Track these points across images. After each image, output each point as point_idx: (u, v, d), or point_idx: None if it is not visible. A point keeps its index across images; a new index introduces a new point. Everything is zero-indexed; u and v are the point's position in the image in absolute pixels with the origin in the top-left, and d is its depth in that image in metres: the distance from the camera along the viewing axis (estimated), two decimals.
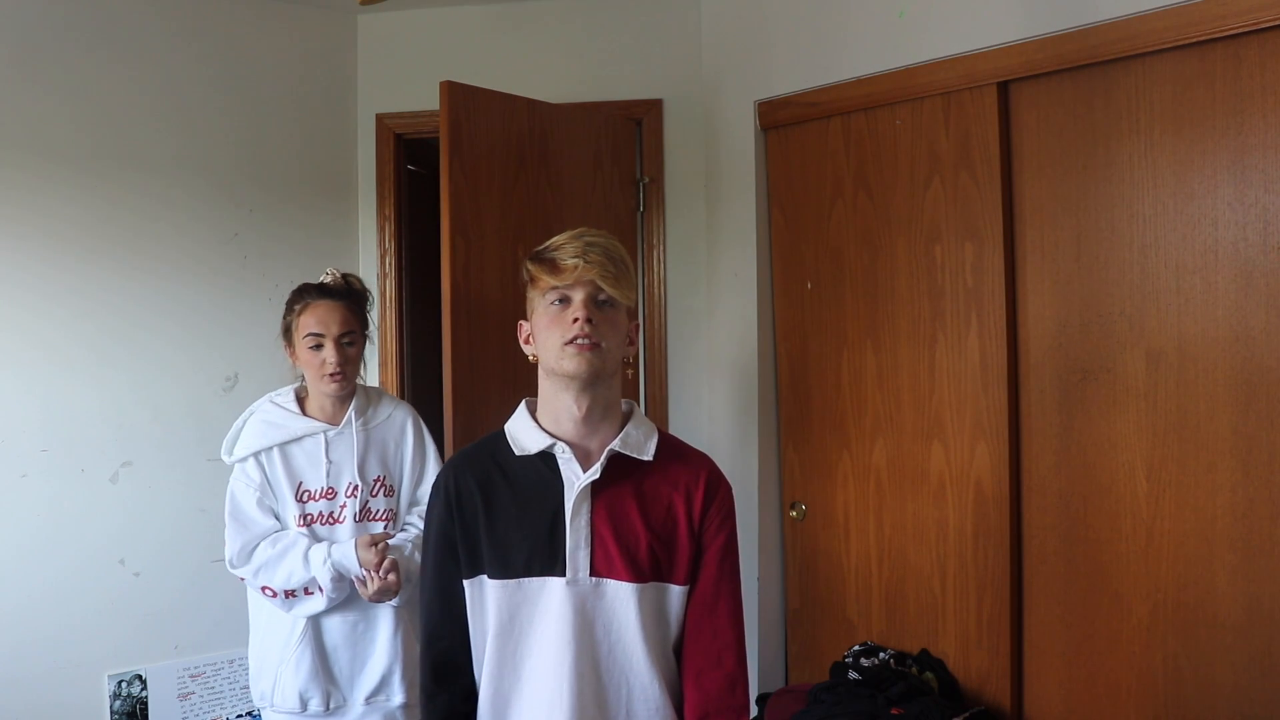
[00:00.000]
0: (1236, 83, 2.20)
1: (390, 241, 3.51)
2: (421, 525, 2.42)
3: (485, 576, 1.54)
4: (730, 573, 1.59)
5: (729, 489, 1.63)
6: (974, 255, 2.65)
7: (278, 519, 2.31)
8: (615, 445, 1.55)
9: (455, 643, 1.57)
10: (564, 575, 1.52)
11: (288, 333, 2.35)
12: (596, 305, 1.52)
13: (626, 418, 1.61)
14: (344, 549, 2.24)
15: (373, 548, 2.22)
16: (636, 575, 1.52)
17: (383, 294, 3.52)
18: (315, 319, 2.29)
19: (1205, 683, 2.27)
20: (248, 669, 2.43)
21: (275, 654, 2.29)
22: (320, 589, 2.23)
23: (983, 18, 2.59)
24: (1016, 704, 2.61)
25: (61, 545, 2.95)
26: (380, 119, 3.50)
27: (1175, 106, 2.30)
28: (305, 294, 2.35)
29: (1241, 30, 2.15)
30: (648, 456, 1.57)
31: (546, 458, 1.56)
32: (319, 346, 2.29)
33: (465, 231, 2.85)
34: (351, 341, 2.32)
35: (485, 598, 1.55)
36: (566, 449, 1.55)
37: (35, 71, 2.94)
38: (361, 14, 3.46)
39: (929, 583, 2.77)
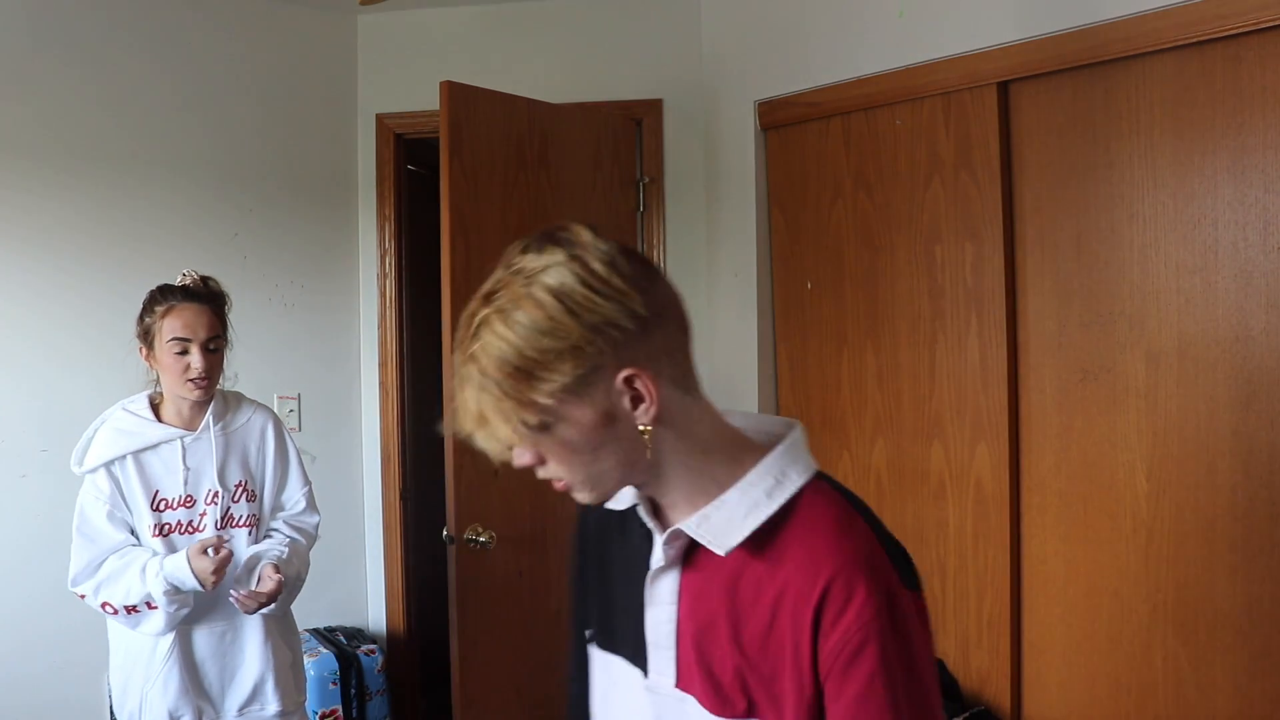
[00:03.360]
0: (1236, 83, 2.20)
1: (390, 241, 3.51)
2: (289, 532, 2.37)
3: (590, 635, 1.20)
4: None
5: (874, 603, 0.97)
6: (974, 255, 2.65)
7: (132, 533, 2.22)
8: (684, 525, 1.04)
9: (579, 692, 1.23)
10: (645, 672, 1.10)
11: (146, 335, 2.22)
12: None
13: (746, 467, 1.05)
14: (176, 560, 2.09)
15: (205, 555, 2.07)
16: (720, 706, 1.03)
17: (383, 294, 3.52)
18: (181, 323, 2.18)
19: (1205, 683, 2.27)
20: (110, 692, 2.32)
21: (140, 673, 2.20)
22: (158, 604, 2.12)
23: (983, 18, 2.59)
24: (1016, 704, 2.61)
25: (62, 545, 2.92)
26: (380, 119, 3.50)
27: (1175, 107, 2.29)
28: (168, 296, 2.21)
29: (1241, 30, 2.15)
30: (721, 550, 1.02)
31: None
32: (184, 351, 2.18)
33: (465, 231, 2.85)
34: (216, 347, 2.23)
35: (592, 661, 1.21)
36: (647, 507, 1.09)
37: (35, 71, 2.94)
38: (361, 14, 3.46)
39: (929, 583, 2.76)
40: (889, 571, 0.99)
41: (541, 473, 1.05)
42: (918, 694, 0.97)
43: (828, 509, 1.03)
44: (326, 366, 3.48)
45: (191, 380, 2.19)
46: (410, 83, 3.43)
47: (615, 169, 3.28)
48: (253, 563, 2.26)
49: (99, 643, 2.97)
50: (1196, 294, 2.28)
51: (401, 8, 3.42)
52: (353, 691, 3.24)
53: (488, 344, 0.97)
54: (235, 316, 3.22)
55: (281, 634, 2.35)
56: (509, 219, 2.97)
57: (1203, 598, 2.27)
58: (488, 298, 0.98)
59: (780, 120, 3.10)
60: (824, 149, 3.00)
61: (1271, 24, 2.10)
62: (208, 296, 2.26)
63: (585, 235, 1.01)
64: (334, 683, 3.19)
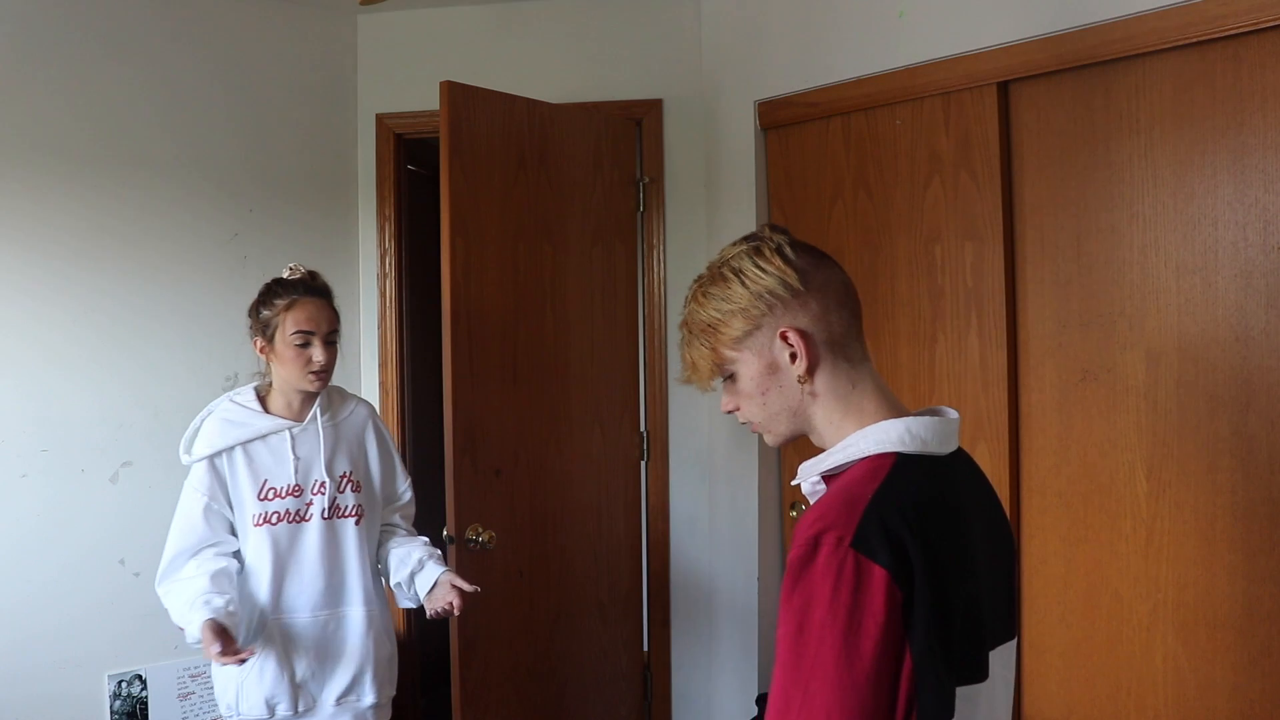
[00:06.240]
0: (1236, 83, 2.20)
1: (390, 241, 3.51)
2: (407, 526, 2.46)
3: None
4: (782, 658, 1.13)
5: (800, 550, 1.13)
6: (974, 255, 2.65)
7: (232, 530, 2.26)
8: (804, 464, 1.29)
9: None
10: None
11: (266, 329, 2.26)
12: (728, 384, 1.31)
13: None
14: (196, 625, 2.08)
15: (213, 646, 2.03)
16: None
17: (383, 294, 3.52)
18: (305, 316, 2.24)
19: (1205, 683, 2.27)
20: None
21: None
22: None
23: (983, 18, 2.59)
24: (1016, 704, 2.61)
25: (61, 545, 2.95)
26: (380, 119, 3.50)
27: (1175, 106, 2.30)
28: (291, 289, 2.27)
29: (1241, 30, 2.15)
30: (794, 482, 1.33)
31: None
32: (307, 344, 2.24)
33: (465, 231, 2.85)
34: (334, 340, 2.30)
35: None
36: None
37: (35, 71, 2.94)
38: (361, 14, 3.46)
39: None
40: (842, 526, 1.10)
41: (740, 417, 1.31)
42: (796, 641, 1.09)
43: (858, 474, 1.19)
44: None
45: (313, 373, 2.25)
46: (410, 83, 3.43)
47: (615, 169, 3.28)
48: (416, 567, 2.34)
49: (99, 642, 2.98)
50: (1196, 294, 2.28)
51: (401, 8, 3.42)
52: None
53: (692, 310, 1.29)
54: (234, 316, 3.25)
55: (384, 627, 2.38)
56: (509, 219, 2.97)
57: (1203, 598, 2.27)
58: (698, 279, 1.30)
59: (780, 120, 3.10)
60: (824, 149, 3.00)
61: (1271, 24, 2.10)
62: (324, 291, 2.32)
63: (768, 232, 1.28)
64: None
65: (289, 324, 2.23)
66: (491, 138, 2.92)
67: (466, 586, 2.26)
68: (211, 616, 2.07)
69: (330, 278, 3.44)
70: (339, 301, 3.47)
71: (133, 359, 3.09)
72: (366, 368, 3.55)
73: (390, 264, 3.52)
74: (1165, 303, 2.32)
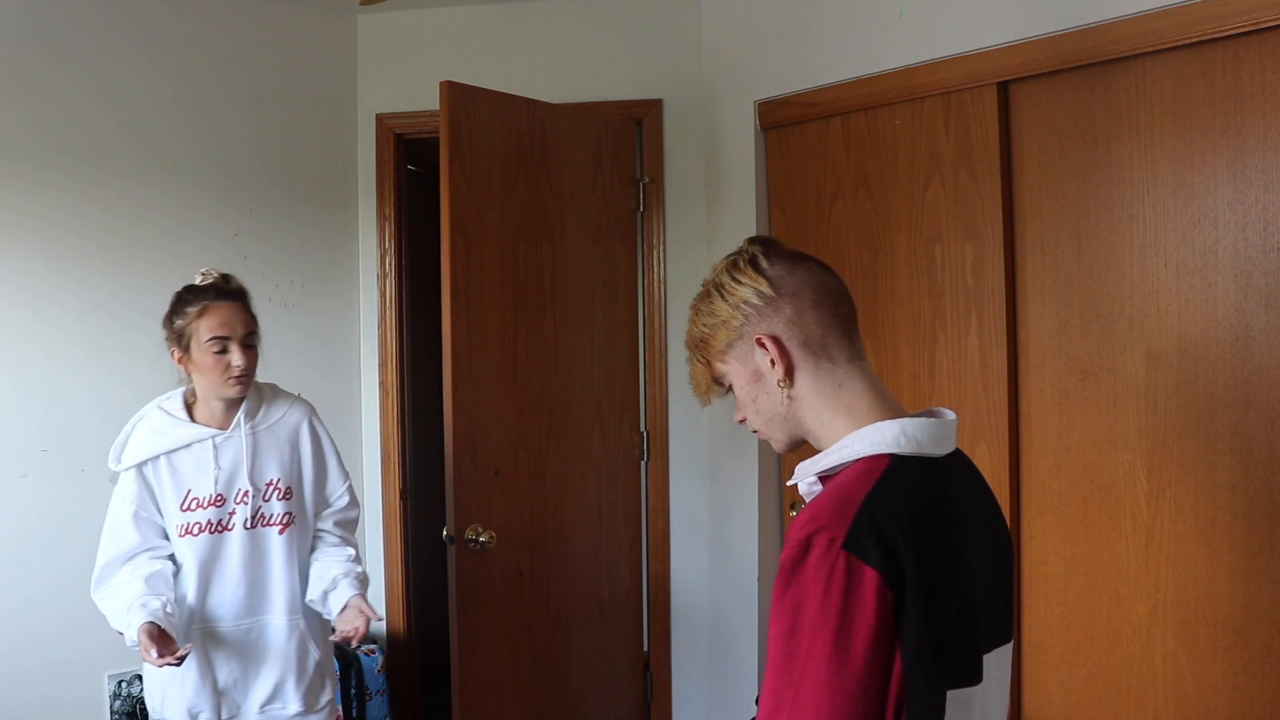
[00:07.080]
0: (1236, 83, 2.20)
1: (390, 241, 3.52)
2: (340, 534, 2.38)
3: None
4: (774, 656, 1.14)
5: (791, 550, 1.14)
6: (974, 255, 2.65)
7: (165, 535, 2.23)
8: (800, 465, 1.30)
9: None
10: None
11: (180, 338, 2.19)
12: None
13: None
14: (132, 628, 2.08)
15: (151, 651, 2.00)
16: None
17: (383, 294, 3.53)
18: (219, 321, 2.16)
19: (1205, 683, 2.27)
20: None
21: (161, 670, 2.17)
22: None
23: (983, 18, 2.59)
24: (1016, 704, 2.61)
25: (62, 545, 2.95)
26: (380, 119, 3.50)
27: (1175, 106, 2.30)
28: (202, 295, 2.19)
29: (1241, 30, 2.15)
30: (790, 482, 1.33)
31: None
32: (224, 350, 2.16)
33: (465, 231, 2.85)
34: (252, 342, 2.22)
35: None
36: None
37: (34, 72, 2.94)
38: (361, 14, 3.46)
39: None
40: (834, 528, 1.11)
41: (749, 427, 1.35)
42: (787, 642, 1.09)
43: (852, 475, 1.19)
44: (327, 366, 3.48)
45: (234, 378, 2.18)
46: (410, 83, 3.43)
47: (615, 169, 3.28)
48: (330, 585, 2.29)
49: (99, 642, 2.98)
50: (1196, 294, 2.28)
51: (401, 8, 3.42)
52: (353, 691, 3.24)
53: (689, 328, 1.35)
54: None
55: (310, 633, 2.33)
56: (509, 219, 2.97)
57: (1203, 598, 2.27)
58: (694, 298, 1.35)
59: (780, 120, 3.10)
60: (824, 149, 3.00)
61: (1271, 24, 2.10)
62: (238, 293, 2.25)
63: (745, 244, 1.32)
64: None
65: (203, 330, 2.16)
66: (491, 138, 2.92)
67: (372, 615, 2.21)
68: (149, 619, 2.05)
69: (330, 278, 3.50)
70: (337, 301, 3.53)
71: (132, 359, 3.09)
72: (366, 368, 3.56)
73: (390, 264, 3.52)
74: (1165, 303, 2.32)
